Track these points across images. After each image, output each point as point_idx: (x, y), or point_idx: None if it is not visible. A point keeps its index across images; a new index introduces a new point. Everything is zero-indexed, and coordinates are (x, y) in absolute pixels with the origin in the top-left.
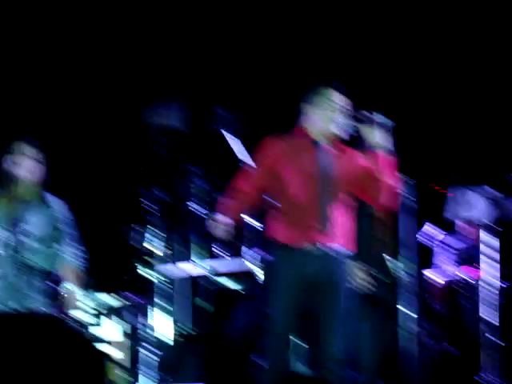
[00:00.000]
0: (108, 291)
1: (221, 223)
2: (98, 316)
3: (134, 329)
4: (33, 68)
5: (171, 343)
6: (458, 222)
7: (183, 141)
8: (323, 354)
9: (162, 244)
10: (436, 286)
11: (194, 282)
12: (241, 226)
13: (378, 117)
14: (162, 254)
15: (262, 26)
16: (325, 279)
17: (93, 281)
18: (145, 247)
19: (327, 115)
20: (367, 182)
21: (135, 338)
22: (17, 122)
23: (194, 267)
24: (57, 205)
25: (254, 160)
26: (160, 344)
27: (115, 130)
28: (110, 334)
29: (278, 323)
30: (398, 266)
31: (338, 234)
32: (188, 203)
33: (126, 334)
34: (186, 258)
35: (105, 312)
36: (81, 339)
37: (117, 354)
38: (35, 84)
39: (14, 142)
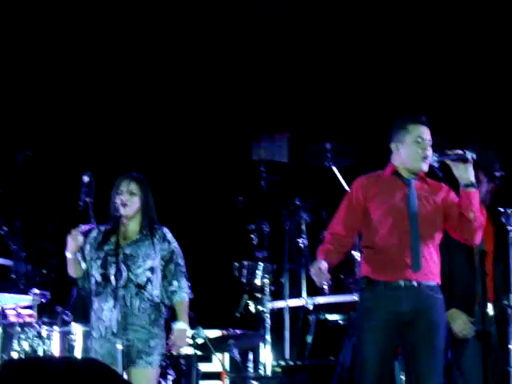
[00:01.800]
0: (218, 327)
1: (321, 271)
2: (207, 351)
3: (240, 362)
4: (146, 107)
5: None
6: None
7: (291, 175)
8: None
9: (272, 280)
10: None
11: (298, 315)
12: (352, 261)
13: (471, 154)
14: (271, 290)
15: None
16: (422, 317)
17: (202, 316)
18: (255, 283)
19: (416, 152)
20: (459, 220)
21: (239, 370)
22: (126, 156)
23: (303, 303)
24: (170, 237)
25: (347, 200)
26: (260, 376)
27: (224, 166)
28: (218, 367)
29: (371, 363)
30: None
31: (432, 271)
32: (298, 239)
33: (232, 367)
34: (297, 294)
35: (213, 347)
36: None
37: None
38: (145, 121)
39: (121, 179)
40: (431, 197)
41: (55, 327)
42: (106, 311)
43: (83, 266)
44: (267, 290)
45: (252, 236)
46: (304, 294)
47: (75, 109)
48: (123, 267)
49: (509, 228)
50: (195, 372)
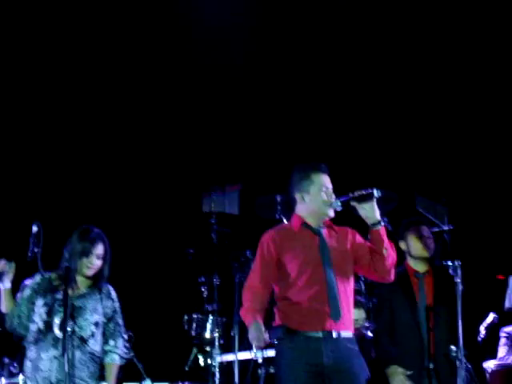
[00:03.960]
0: (168, 380)
1: (262, 333)
2: None
3: None
4: (96, 155)
5: None
6: None
7: (241, 227)
8: None
9: (222, 333)
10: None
11: (248, 368)
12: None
13: (376, 192)
14: (221, 343)
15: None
16: (345, 368)
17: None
18: (205, 336)
19: (320, 200)
20: (372, 260)
21: None
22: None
23: (253, 356)
24: (114, 296)
25: (259, 256)
26: None
27: (175, 217)
28: None
29: None
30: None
31: (349, 321)
32: None
33: None
34: (247, 347)
35: None
36: None
37: None
38: (94, 170)
39: (91, 240)
40: (341, 244)
41: (2, 379)
42: (45, 361)
43: (22, 304)
44: (217, 343)
45: (202, 289)
46: (254, 347)
47: (22, 157)
48: (69, 318)
49: (456, 280)
50: None
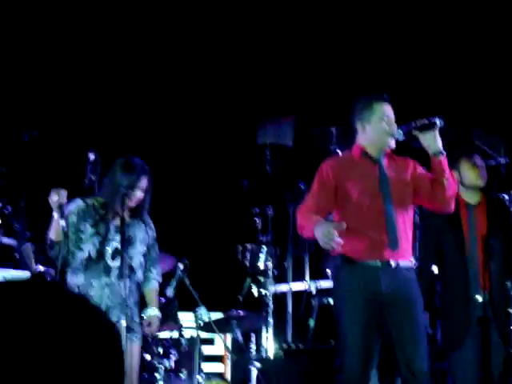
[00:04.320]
0: (221, 309)
1: (330, 232)
2: (210, 332)
3: (242, 344)
4: (150, 90)
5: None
6: None
7: (296, 159)
8: (411, 369)
9: (275, 263)
10: None
11: (301, 299)
12: None
13: (439, 121)
14: (274, 272)
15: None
16: (403, 297)
17: (205, 298)
18: (258, 267)
19: (381, 130)
20: (432, 190)
21: (238, 352)
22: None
23: (306, 287)
24: (153, 225)
25: (318, 182)
26: (261, 358)
27: (229, 149)
28: (220, 350)
29: (356, 343)
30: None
31: (408, 250)
32: None
33: (234, 349)
34: (300, 278)
35: (216, 328)
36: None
37: (220, 368)
38: (149, 103)
39: (137, 172)
40: (401, 174)
41: None
42: (96, 288)
43: (62, 223)
44: (270, 273)
45: (256, 219)
46: (307, 277)
47: (81, 89)
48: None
49: None
50: (198, 353)
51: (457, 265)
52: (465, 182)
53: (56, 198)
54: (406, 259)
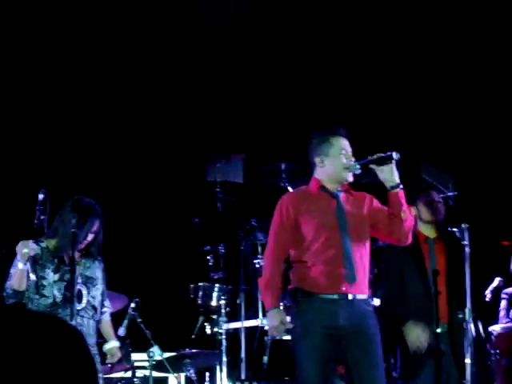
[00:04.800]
0: (175, 348)
1: (283, 324)
2: (164, 371)
3: (196, 382)
4: (100, 126)
5: None
6: None
7: (246, 196)
8: None
9: (228, 301)
10: (500, 336)
11: (254, 336)
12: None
13: (395, 155)
14: (227, 311)
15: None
16: (360, 330)
17: (158, 338)
18: (211, 305)
19: (339, 163)
20: (389, 223)
21: None
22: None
23: (259, 323)
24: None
25: (278, 219)
26: None
27: (180, 187)
28: None
29: (312, 378)
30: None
31: (365, 284)
32: (254, 260)
33: None
34: (253, 315)
35: (170, 367)
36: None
37: None
38: (99, 140)
39: (89, 216)
40: (358, 208)
41: None
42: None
43: (32, 277)
44: (223, 311)
45: (208, 257)
46: (260, 314)
47: (28, 126)
48: (84, 289)
49: (464, 243)
50: None
51: (419, 297)
52: (422, 218)
53: (26, 250)
54: (363, 292)
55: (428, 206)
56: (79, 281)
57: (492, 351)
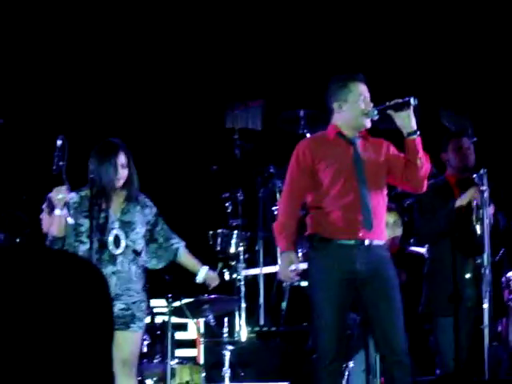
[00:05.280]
0: (193, 294)
1: (290, 270)
2: (183, 316)
3: (215, 328)
4: (118, 73)
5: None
6: None
7: (265, 143)
8: (389, 346)
9: (246, 247)
10: None
11: (272, 282)
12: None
13: (413, 100)
14: (246, 257)
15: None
16: (378, 275)
17: (178, 283)
18: (230, 251)
19: (358, 109)
20: (405, 170)
21: (215, 336)
22: (98, 121)
23: (277, 269)
24: (150, 203)
25: (295, 164)
26: (234, 341)
27: (198, 134)
28: (193, 335)
29: (329, 322)
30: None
31: (382, 230)
32: (272, 207)
33: (207, 333)
34: (271, 262)
35: (189, 312)
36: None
37: (193, 352)
38: (117, 87)
39: (112, 151)
40: (375, 155)
41: None
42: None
43: (70, 221)
44: (242, 257)
45: (226, 204)
46: (278, 261)
47: (46, 74)
48: (122, 233)
49: (483, 188)
50: (170, 339)
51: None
52: (452, 164)
53: (60, 195)
54: (380, 239)
55: (457, 152)
56: (116, 226)
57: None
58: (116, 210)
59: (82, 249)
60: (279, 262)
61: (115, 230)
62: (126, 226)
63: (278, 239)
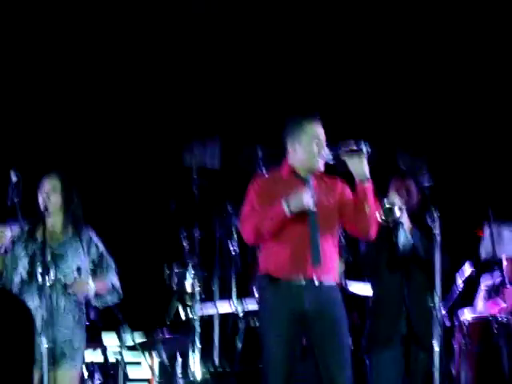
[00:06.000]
0: (146, 330)
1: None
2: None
3: (169, 367)
4: (76, 107)
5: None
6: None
7: (222, 181)
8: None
9: (202, 286)
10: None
11: (228, 321)
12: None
13: (365, 148)
14: (201, 294)
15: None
16: (326, 315)
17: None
18: (185, 289)
19: (311, 151)
20: (354, 215)
21: (168, 375)
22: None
23: (233, 309)
24: (97, 240)
25: (251, 196)
26: (189, 381)
27: (155, 171)
28: (147, 373)
29: (278, 363)
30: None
31: (331, 268)
32: (229, 246)
33: (161, 372)
34: (226, 297)
35: (142, 351)
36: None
37: None
38: (76, 122)
39: (43, 178)
40: (328, 195)
41: None
42: (31, 310)
43: (6, 260)
44: (197, 296)
45: (183, 241)
46: (234, 300)
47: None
48: (52, 265)
49: (435, 231)
50: (123, 377)
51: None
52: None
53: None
54: (329, 278)
55: (398, 191)
56: (48, 258)
57: (463, 340)
58: (52, 242)
59: (16, 281)
60: (294, 201)
61: (47, 262)
62: (58, 258)
63: (269, 217)
